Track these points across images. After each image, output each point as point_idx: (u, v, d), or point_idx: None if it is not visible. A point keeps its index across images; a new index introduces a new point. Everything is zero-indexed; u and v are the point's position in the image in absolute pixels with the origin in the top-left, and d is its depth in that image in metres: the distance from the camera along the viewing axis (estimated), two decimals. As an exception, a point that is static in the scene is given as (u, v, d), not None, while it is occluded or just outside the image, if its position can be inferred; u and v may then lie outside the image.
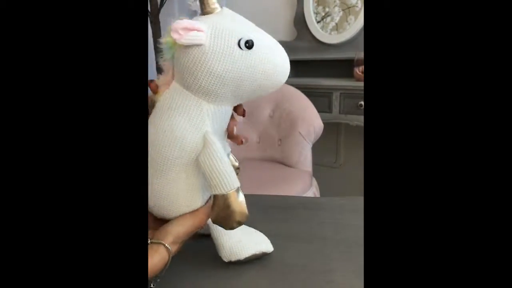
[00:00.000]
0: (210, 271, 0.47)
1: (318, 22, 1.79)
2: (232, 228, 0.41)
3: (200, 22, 0.38)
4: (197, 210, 0.43)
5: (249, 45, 0.39)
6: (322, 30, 1.78)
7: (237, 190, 0.40)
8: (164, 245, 0.40)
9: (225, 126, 0.44)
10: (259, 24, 0.43)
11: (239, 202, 0.40)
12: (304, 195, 1.25)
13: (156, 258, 0.40)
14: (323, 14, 1.78)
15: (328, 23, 1.76)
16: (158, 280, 0.42)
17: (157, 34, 1.54)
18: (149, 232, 0.42)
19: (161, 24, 1.57)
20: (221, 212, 0.40)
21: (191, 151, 0.40)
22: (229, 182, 0.39)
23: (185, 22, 0.37)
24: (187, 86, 0.40)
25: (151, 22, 1.54)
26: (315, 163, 1.48)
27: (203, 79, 0.39)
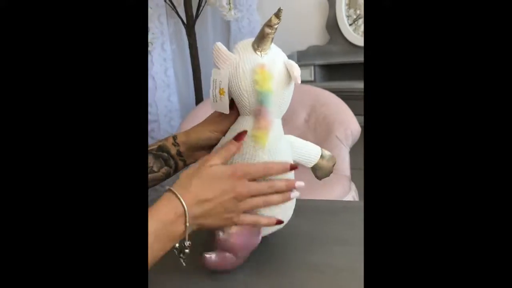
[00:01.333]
0: (266, 270, 0.49)
1: (350, 25, 1.78)
2: (328, 175, 0.57)
3: (293, 62, 0.47)
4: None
5: None
6: (355, 32, 1.76)
7: (321, 156, 0.55)
8: (172, 191, 0.39)
9: None
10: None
11: (326, 162, 0.56)
12: (343, 200, 1.24)
13: (162, 203, 0.39)
14: (354, 16, 1.77)
15: (360, 26, 1.74)
16: (187, 250, 0.41)
17: (193, 46, 1.57)
18: None
19: (196, 36, 1.59)
20: (321, 173, 0.56)
21: None
22: (314, 155, 0.55)
23: (298, 68, 0.45)
24: (280, 114, 0.51)
25: (187, 34, 1.58)
26: (353, 167, 1.46)
27: (289, 102, 0.51)
